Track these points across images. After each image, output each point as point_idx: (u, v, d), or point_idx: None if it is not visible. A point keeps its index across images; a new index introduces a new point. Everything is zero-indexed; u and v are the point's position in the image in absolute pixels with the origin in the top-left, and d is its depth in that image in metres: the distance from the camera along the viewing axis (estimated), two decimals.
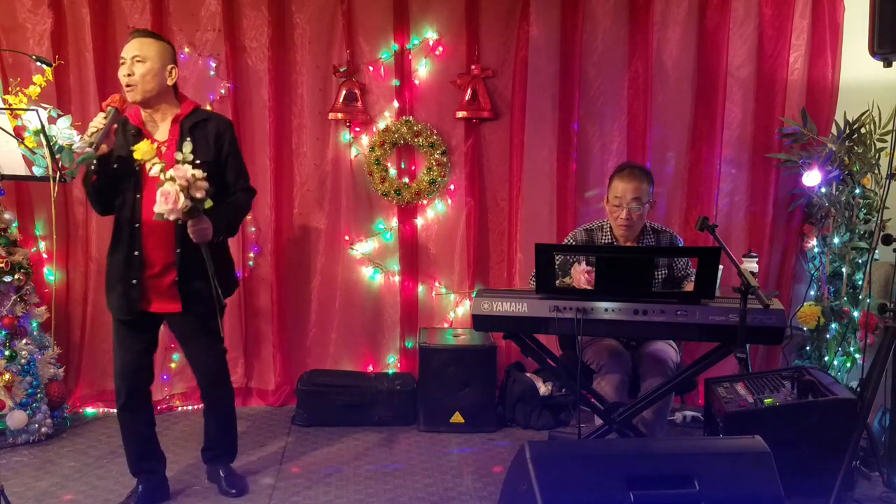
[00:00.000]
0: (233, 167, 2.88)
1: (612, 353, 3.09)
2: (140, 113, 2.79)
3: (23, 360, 3.55)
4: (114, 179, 2.74)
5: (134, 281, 2.76)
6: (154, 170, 2.57)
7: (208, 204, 2.63)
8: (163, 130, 2.80)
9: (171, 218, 2.57)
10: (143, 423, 2.98)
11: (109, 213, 2.84)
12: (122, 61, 2.73)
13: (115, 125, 2.67)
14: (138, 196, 2.74)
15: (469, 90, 4.14)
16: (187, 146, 2.68)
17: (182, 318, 2.85)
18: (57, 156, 3.26)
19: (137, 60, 2.70)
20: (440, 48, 4.16)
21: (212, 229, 2.68)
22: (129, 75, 2.70)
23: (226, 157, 2.84)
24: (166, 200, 2.54)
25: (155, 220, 2.63)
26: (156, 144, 2.68)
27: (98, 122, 2.59)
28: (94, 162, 2.62)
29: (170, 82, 2.77)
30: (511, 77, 4.17)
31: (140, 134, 2.74)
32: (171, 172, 2.55)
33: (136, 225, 2.74)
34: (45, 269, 4.06)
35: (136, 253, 2.75)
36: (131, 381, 2.88)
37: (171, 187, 2.54)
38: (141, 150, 2.60)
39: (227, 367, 3.09)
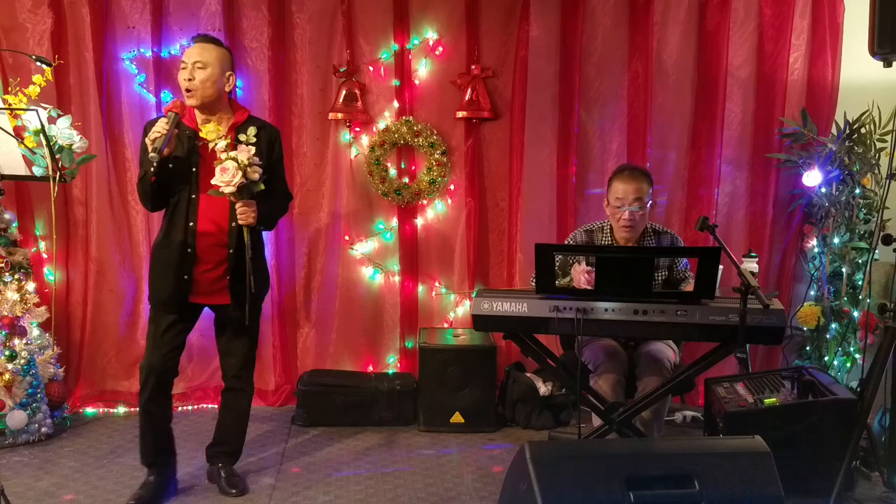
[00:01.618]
0: (278, 173, 3.03)
1: (608, 353, 3.09)
2: (195, 116, 2.87)
3: (23, 360, 3.55)
4: (169, 180, 2.82)
5: (186, 276, 2.86)
6: (220, 145, 2.71)
7: (260, 187, 2.77)
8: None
9: (227, 192, 2.70)
10: (164, 417, 3.02)
11: (159, 210, 2.93)
12: (182, 66, 2.81)
13: (177, 130, 2.75)
14: (193, 196, 2.84)
15: (469, 90, 4.14)
16: (251, 130, 2.81)
17: (228, 311, 2.95)
18: (57, 156, 3.27)
19: (198, 67, 2.78)
20: (440, 48, 4.16)
21: (257, 215, 2.81)
22: (189, 80, 2.78)
23: (274, 164, 2.97)
24: (224, 174, 2.67)
25: (209, 193, 2.76)
26: (222, 127, 2.82)
27: (161, 127, 2.68)
28: (155, 164, 2.70)
29: (227, 88, 2.87)
30: (511, 77, 4.17)
31: (196, 136, 2.82)
32: (234, 153, 2.70)
33: (192, 224, 2.84)
34: (45, 269, 4.06)
35: (190, 250, 2.85)
36: (161, 374, 2.93)
37: (231, 164, 2.68)
38: (207, 129, 2.74)
39: (254, 369, 3.17)
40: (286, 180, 3.13)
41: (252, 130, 2.81)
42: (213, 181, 2.71)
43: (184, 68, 2.80)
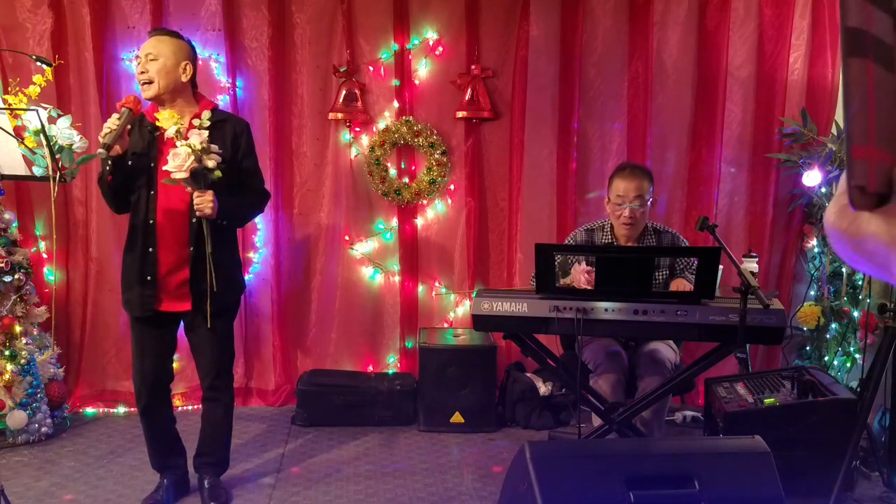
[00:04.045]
0: (248, 168, 2.89)
1: (608, 353, 3.09)
2: (157, 110, 2.78)
3: (23, 360, 3.55)
4: (129, 178, 2.74)
5: (149, 277, 2.76)
6: (171, 130, 2.61)
7: (216, 175, 2.64)
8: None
9: (179, 177, 2.58)
10: (166, 422, 2.99)
11: (125, 212, 2.84)
12: (137, 60, 2.76)
13: (130, 126, 2.67)
14: (152, 193, 2.74)
15: (469, 90, 4.14)
16: (206, 114, 2.73)
17: (192, 317, 2.83)
18: (57, 156, 3.26)
19: (151, 59, 2.71)
20: (440, 48, 4.16)
21: (216, 206, 2.67)
22: (143, 73, 2.72)
23: (242, 158, 2.85)
24: (175, 158, 2.56)
25: (163, 182, 2.65)
26: (185, 119, 2.71)
27: (112, 122, 2.59)
28: (109, 163, 2.63)
29: (184, 79, 2.77)
30: (511, 77, 4.17)
31: (156, 130, 2.74)
32: (187, 140, 2.60)
33: (151, 222, 2.74)
34: (45, 269, 4.06)
35: (151, 250, 2.75)
36: (153, 383, 2.88)
37: (184, 149, 2.56)
38: (163, 116, 2.65)
39: (231, 375, 3.04)
40: (261, 176, 2.98)
41: (206, 115, 2.72)
42: (164, 167, 2.59)
43: (138, 62, 2.74)
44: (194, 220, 2.73)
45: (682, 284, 3.03)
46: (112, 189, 2.75)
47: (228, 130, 2.82)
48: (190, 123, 2.73)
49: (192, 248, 2.76)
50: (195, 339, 2.91)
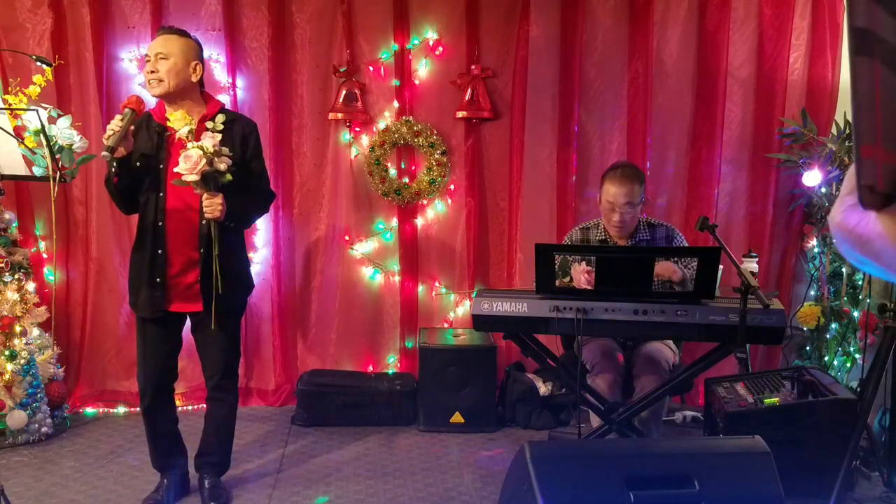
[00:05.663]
0: (255, 169, 2.89)
1: (604, 353, 3.10)
2: (165, 110, 2.77)
3: (23, 360, 3.55)
4: (137, 179, 2.73)
5: (158, 279, 2.75)
6: (183, 131, 2.60)
7: (227, 178, 2.64)
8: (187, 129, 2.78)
9: (189, 180, 2.57)
10: (169, 422, 2.99)
11: (135, 213, 2.83)
12: (146, 59, 2.74)
13: (133, 126, 2.65)
14: (161, 195, 2.73)
15: (469, 90, 4.14)
16: (219, 118, 2.72)
17: (201, 317, 2.82)
18: (57, 156, 3.27)
19: (161, 57, 2.70)
20: (440, 48, 4.16)
21: (225, 209, 2.66)
22: (152, 72, 2.70)
23: (250, 160, 2.85)
24: (186, 161, 2.55)
25: (173, 183, 2.64)
26: (193, 119, 2.70)
27: (115, 124, 2.57)
28: (114, 164, 2.62)
29: (194, 79, 2.76)
30: (511, 77, 4.17)
31: (165, 131, 2.73)
32: (200, 142, 2.59)
33: (160, 224, 2.73)
34: (45, 269, 4.06)
35: (160, 251, 2.74)
36: (158, 383, 2.88)
37: (195, 152, 2.55)
38: (175, 117, 2.64)
39: (237, 375, 3.06)
40: (267, 177, 3.01)
41: (220, 118, 2.72)
42: (175, 169, 2.58)
43: (147, 61, 2.73)
44: (204, 222, 2.72)
45: (666, 267, 3.00)
46: (119, 191, 2.73)
47: (237, 131, 2.81)
48: (200, 125, 2.73)
49: (202, 250, 2.75)
50: (203, 338, 2.91)
